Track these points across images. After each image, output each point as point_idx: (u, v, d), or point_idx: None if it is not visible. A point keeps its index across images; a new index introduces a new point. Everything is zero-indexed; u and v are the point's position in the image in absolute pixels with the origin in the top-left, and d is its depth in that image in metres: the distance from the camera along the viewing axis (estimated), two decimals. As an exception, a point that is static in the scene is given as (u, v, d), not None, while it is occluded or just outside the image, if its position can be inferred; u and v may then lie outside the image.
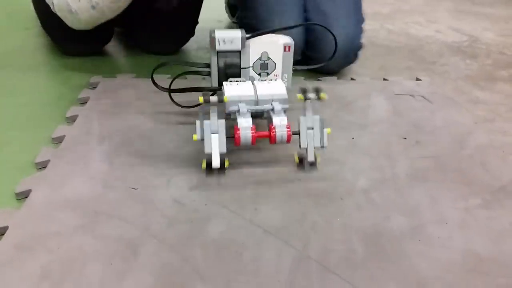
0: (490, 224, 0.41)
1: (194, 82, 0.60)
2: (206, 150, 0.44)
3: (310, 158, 0.46)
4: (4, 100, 0.61)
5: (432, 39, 0.98)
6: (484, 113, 0.64)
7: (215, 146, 0.44)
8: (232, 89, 0.47)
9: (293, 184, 0.45)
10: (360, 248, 0.37)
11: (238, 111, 0.45)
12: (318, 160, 0.47)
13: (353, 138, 0.54)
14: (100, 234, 0.38)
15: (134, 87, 0.64)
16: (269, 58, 0.51)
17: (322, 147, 0.46)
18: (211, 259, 0.36)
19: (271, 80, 0.49)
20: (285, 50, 0.51)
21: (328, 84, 0.69)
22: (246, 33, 0.50)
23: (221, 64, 0.50)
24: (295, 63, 0.54)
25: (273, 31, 0.52)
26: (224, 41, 0.49)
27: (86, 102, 0.60)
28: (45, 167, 0.46)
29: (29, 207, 0.40)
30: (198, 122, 0.45)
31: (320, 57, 0.69)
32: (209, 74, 0.53)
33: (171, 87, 0.53)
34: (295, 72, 0.55)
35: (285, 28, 0.53)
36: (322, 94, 0.46)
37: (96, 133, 0.52)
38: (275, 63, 0.52)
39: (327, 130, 0.46)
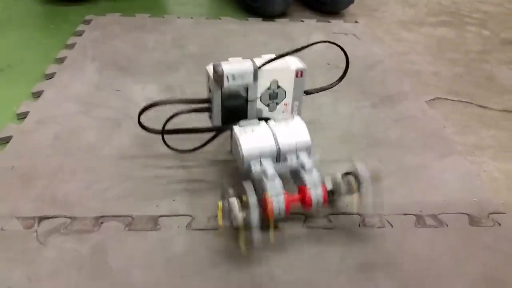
0: (370, 117, 0.58)
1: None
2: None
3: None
4: (17, 32, 0.76)
5: (383, -10, 1.13)
6: (402, 49, 0.80)
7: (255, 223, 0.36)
8: (248, 140, 0.40)
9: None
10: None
11: (265, 173, 0.39)
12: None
13: (288, 63, 0.70)
14: (93, 115, 0.54)
15: (120, 23, 0.80)
16: (279, 87, 0.44)
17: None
18: (169, 132, 0.53)
19: (287, 119, 0.44)
20: (297, 76, 0.45)
21: (280, 24, 0.84)
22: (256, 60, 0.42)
23: (225, 97, 0.43)
24: None
25: (287, 55, 0.44)
26: (233, 77, 0.41)
27: (82, 34, 0.75)
28: (52, 77, 0.62)
29: (43, 100, 0.57)
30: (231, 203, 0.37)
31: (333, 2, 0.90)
32: (208, 110, 0.45)
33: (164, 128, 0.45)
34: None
35: (297, 50, 0.44)
36: (378, 178, 0.39)
37: (90, 55, 0.68)
38: (285, 91, 0.45)
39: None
